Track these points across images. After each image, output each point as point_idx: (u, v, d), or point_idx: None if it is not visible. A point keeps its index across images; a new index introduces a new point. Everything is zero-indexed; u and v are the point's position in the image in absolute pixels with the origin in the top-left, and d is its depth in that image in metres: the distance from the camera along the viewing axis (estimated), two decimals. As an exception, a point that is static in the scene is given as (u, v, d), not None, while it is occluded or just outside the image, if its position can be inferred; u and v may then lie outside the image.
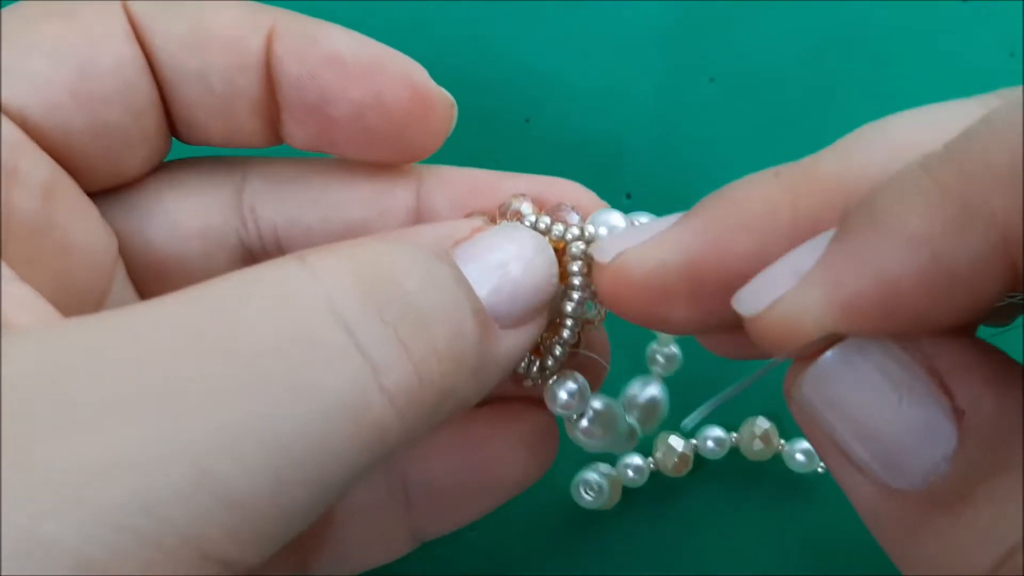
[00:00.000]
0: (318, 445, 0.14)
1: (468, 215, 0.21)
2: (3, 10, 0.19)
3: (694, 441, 0.29)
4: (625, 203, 0.32)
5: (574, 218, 0.20)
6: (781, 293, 0.15)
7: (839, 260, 0.14)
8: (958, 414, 0.15)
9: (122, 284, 0.21)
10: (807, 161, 0.17)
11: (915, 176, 0.14)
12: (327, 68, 0.20)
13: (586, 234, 0.19)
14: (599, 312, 0.21)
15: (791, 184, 0.17)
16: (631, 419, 0.22)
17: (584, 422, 0.20)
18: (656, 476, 0.29)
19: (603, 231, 0.19)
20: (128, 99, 0.20)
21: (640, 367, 0.23)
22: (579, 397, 0.20)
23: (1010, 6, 0.34)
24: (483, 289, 0.17)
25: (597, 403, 0.21)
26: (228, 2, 0.20)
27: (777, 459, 0.29)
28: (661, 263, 0.17)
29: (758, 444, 0.28)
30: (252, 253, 0.22)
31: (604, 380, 0.22)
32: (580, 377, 0.20)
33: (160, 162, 0.21)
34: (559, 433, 0.23)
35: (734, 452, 0.29)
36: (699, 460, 0.29)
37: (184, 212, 0.22)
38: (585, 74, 0.33)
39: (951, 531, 0.15)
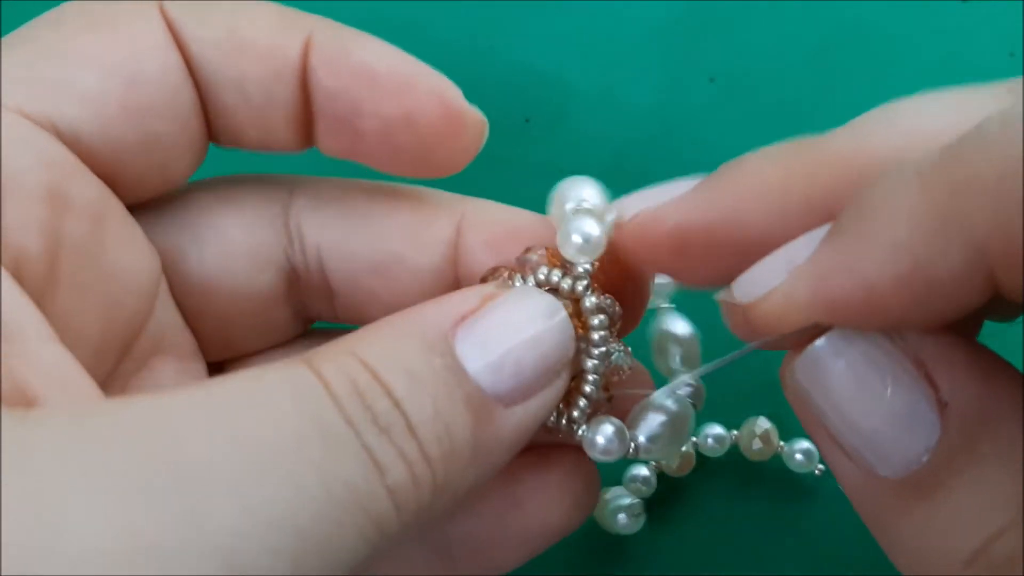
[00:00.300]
0: (331, 533, 0.14)
1: (494, 269, 0.20)
2: (38, 19, 0.19)
3: (695, 439, 0.29)
4: (625, 203, 0.32)
5: (590, 267, 0.19)
6: (775, 284, 0.16)
7: (826, 259, 0.15)
8: (941, 405, 0.15)
9: (165, 304, 0.21)
10: (824, 137, 0.17)
11: (907, 181, 0.14)
12: (359, 82, 0.20)
13: (579, 271, 0.19)
14: (628, 361, 0.20)
15: (807, 159, 0.17)
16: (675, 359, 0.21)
17: (643, 439, 0.20)
18: (658, 476, 0.29)
19: (576, 241, 0.19)
20: (174, 108, 0.19)
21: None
22: (619, 440, 0.19)
23: (1010, 6, 0.34)
24: (483, 369, 0.17)
25: (655, 421, 0.20)
26: (263, 5, 0.20)
27: (776, 459, 0.29)
28: (677, 224, 0.18)
29: (757, 444, 0.28)
30: (297, 273, 0.22)
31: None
32: (615, 420, 0.20)
33: (197, 167, 0.21)
34: (600, 478, 0.22)
35: (735, 452, 0.29)
36: (700, 459, 0.29)
37: (234, 229, 0.21)
38: (585, 74, 0.33)
39: (931, 518, 0.15)
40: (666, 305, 0.22)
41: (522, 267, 0.19)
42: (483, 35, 0.33)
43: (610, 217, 0.20)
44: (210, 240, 0.21)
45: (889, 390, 0.15)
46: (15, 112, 0.17)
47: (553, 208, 0.21)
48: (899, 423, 0.15)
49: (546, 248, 0.20)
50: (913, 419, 0.15)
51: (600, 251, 0.19)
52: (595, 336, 0.19)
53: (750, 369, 0.29)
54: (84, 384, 0.16)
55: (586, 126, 0.33)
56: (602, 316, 0.19)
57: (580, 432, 0.19)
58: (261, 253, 0.22)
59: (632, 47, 0.33)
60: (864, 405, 0.16)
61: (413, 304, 0.21)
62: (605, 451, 0.19)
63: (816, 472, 0.28)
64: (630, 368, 0.20)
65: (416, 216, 0.22)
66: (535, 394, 0.17)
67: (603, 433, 0.19)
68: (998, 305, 0.15)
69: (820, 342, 0.16)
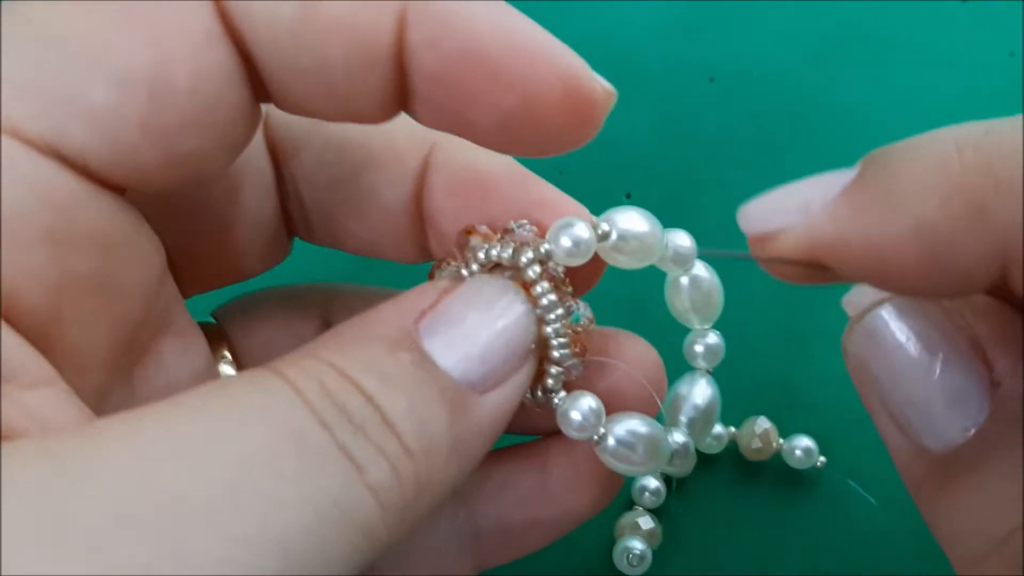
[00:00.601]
0: (318, 546, 0.14)
1: (439, 262, 0.20)
2: None
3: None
4: (625, 203, 0.32)
5: (528, 234, 0.19)
6: (784, 223, 0.16)
7: (846, 214, 0.15)
8: (993, 385, 0.15)
9: (166, 284, 0.20)
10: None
11: (943, 151, 0.14)
12: (470, 67, 0.16)
13: (543, 252, 0.19)
14: (586, 314, 0.20)
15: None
16: (681, 430, 0.21)
17: (611, 442, 0.19)
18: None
19: (565, 243, 0.18)
20: (215, 120, 0.16)
21: (677, 362, 0.22)
22: (594, 417, 0.19)
23: (1010, 6, 0.34)
24: (452, 361, 0.16)
25: (640, 426, 0.19)
26: None
27: (777, 456, 0.29)
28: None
29: (756, 443, 0.28)
30: (284, 202, 0.22)
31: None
32: (591, 396, 0.19)
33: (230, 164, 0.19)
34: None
35: (734, 449, 0.29)
36: (700, 456, 0.29)
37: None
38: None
39: (970, 495, 0.15)
40: (701, 366, 0.21)
41: (463, 252, 0.19)
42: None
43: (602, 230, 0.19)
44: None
45: (940, 366, 0.16)
46: (10, 135, 0.15)
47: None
48: (949, 398, 0.15)
49: (482, 226, 0.20)
50: (963, 396, 0.15)
51: (589, 257, 0.19)
52: (544, 301, 0.18)
53: (750, 369, 0.29)
54: (77, 414, 0.16)
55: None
56: (545, 283, 0.18)
57: (556, 402, 0.19)
58: (261, 183, 0.21)
59: (632, 47, 0.33)
60: (916, 378, 0.16)
61: (383, 239, 0.22)
62: (580, 427, 0.19)
63: (818, 465, 0.28)
64: (590, 320, 0.20)
65: (388, 147, 0.21)
66: (508, 378, 0.17)
67: (579, 408, 0.19)
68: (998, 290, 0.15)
69: (876, 312, 0.16)
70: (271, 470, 0.14)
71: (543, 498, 0.21)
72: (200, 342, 0.21)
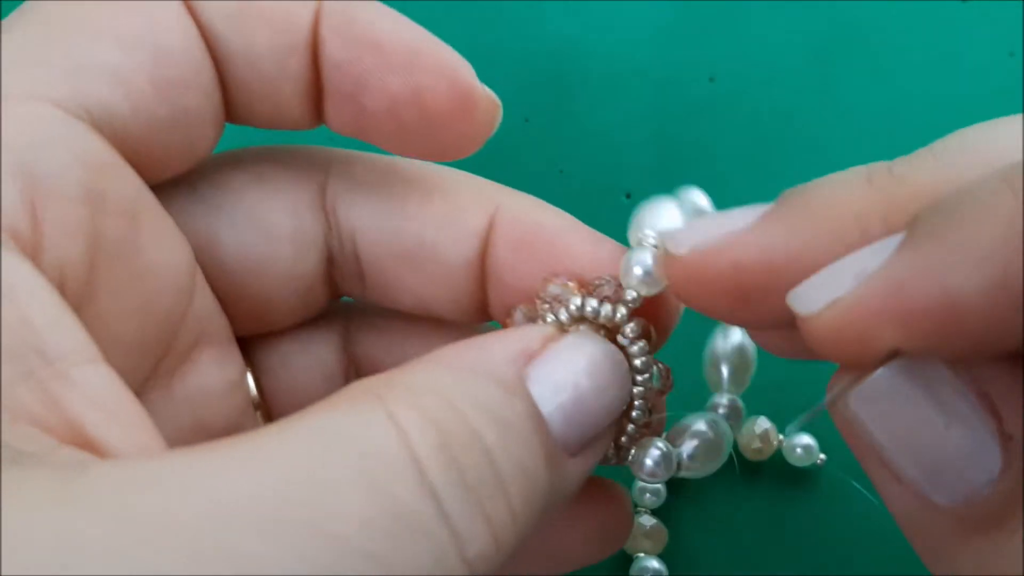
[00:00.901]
0: None
1: (549, 279, 0.19)
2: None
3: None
4: (624, 203, 0.32)
5: (609, 287, 0.19)
6: (840, 294, 0.14)
7: (905, 267, 0.14)
8: (1005, 438, 0.15)
9: (202, 294, 0.20)
10: (901, 167, 0.16)
11: (995, 189, 0.13)
12: (365, 53, 0.18)
13: (628, 298, 0.18)
14: (667, 382, 0.20)
15: (885, 194, 0.15)
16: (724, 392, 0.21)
17: (685, 458, 0.20)
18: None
19: (637, 272, 0.18)
20: (199, 80, 0.18)
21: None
22: (665, 463, 0.19)
23: (1010, 6, 0.34)
24: (555, 417, 0.16)
25: (701, 425, 0.20)
26: None
27: (777, 454, 0.29)
28: (737, 264, 0.16)
29: (756, 443, 0.28)
30: (333, 257, 0.21)
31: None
32: (661, 443, 0.20)
33: (217, 142, 0.20)
34: (632, 513, 0.22)
35: (735, 450, 0.29)
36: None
37: (275, 213, 0.20)
38: (584, 74, 0.33)
39: (987, 552, 0.15)
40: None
41: (552, 300, 0.19)
42: (482, 34, 0.33)
43: (653, 244, 0.19)
44: (249, 225, 0.20)
45: (949, 423, 0.15)
46: (46, 102, 0.16)
47: (631, 233, 0.20)
48: (960, 455, 0.15)
49: (561, 276, 0.19)
50: (975, 451, 0.15)
51: (662, 285, 0.18)
52: (638, 363, 0.18)
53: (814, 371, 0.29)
54: (133, 411, 0.15)
55: (585, 126, 0.33)
56: (643, 343, 0.18)
57: (630, 456, 0.19)
58: (303, 238, 0.21)
59: (632, 47, 0.33)
60: (923, 437, 0.15)
61: (442, 296, 0.21)
62: (652, 473, 0.19)
63: (818, 463, 0.28)
64: (669, 386, 0.20)
65: (451, 205, 0.20)
66: (596, 442, 0.17)
67: (651, 456, 0.19)
68: None
69: (879, 372, 0.15)
70: (364, 544, 0.12)
71: (539, 542, 0.21)
72: (235, 353, 0.21)
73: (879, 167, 0.16)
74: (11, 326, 0.14)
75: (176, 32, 0.18)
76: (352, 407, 0.14)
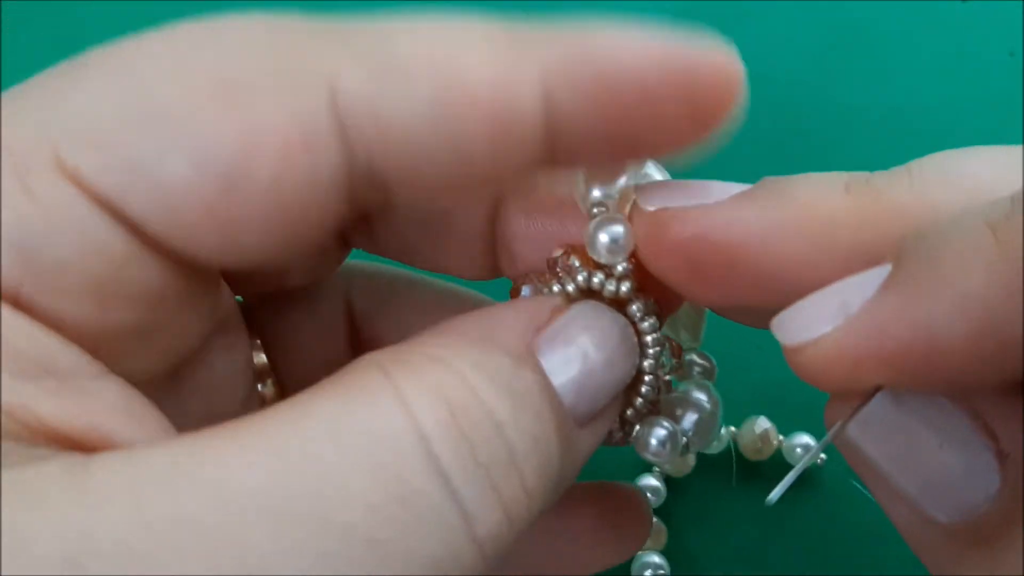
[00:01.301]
0: None
1: (524, 275, 0.19)
2: (147, 37, 0.14)
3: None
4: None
5: (626, 267, 0.18)
6: (826, 330, 0.14)
7: (888, 307, 0.14)
8: (1001, 456, 0.15)
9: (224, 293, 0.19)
10: (879, 180, 0.16)
11: (977, 229, 0.13)
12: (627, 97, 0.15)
13: (619, 269, 0.18)
14: (677, 361, 0.19)
15: (859, 206, 0.15)
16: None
17: (691, 433, 0.19)
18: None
19: (604, 240, 0.17)
20: (287, 224, 0.15)
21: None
22: (671, 445, 0.19)
23: (1010, 6, 0.34)
24: (566, 389, 0.15)
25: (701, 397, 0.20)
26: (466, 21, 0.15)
27: (776, 454, 0.29)
28: (701, 234, 0.16)
29: (756, 443, 0.28)
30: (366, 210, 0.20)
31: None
32: (668, 423, 0.19)
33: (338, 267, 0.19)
34: (650, 516, 0.21)
35: (735, 450, 0.29)
36: (699, 458, 0.29)
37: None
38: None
39: (991, 566, 0.15)
40: None
41: (562, 271, 0.18)
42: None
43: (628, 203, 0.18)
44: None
45: (944, 446, 0.15)
46: (72, 182, 0.14)
47: (578, 192, 0.18)
48: (954, 475, 0.15)
49: (573, 248, 0.19)
50: (972, 471, 0.15)
51: (630, 248, 0.18)
52: (648, 339, 0.18)
53: (749, 369, 0.29)
54: (148, 413, 0.15)
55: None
56: (653, 319, 0.18)
57: (634, 434, 0.19)
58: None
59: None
60: (920, 460, 0.15)
61: (449, 261, 0.20)
62: (657, 453, 0.19)
63: (818, 463, 0.28)
64: (677, 363, 0.19)
65: None
66: (605, 413, 0.16)
67: (656, 435, 0.19)
68: None
69: (873, 402, 0.15)
70: (371, 530, 0.12)
71: (549, 548, 0.20)
72: (243, 336, 0.21)
73: (858, 177, 0.16)
74: (16, 341, 0.14)
75: (273, 165, 0.14)
76: (359, 386, 0.13)
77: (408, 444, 0.13)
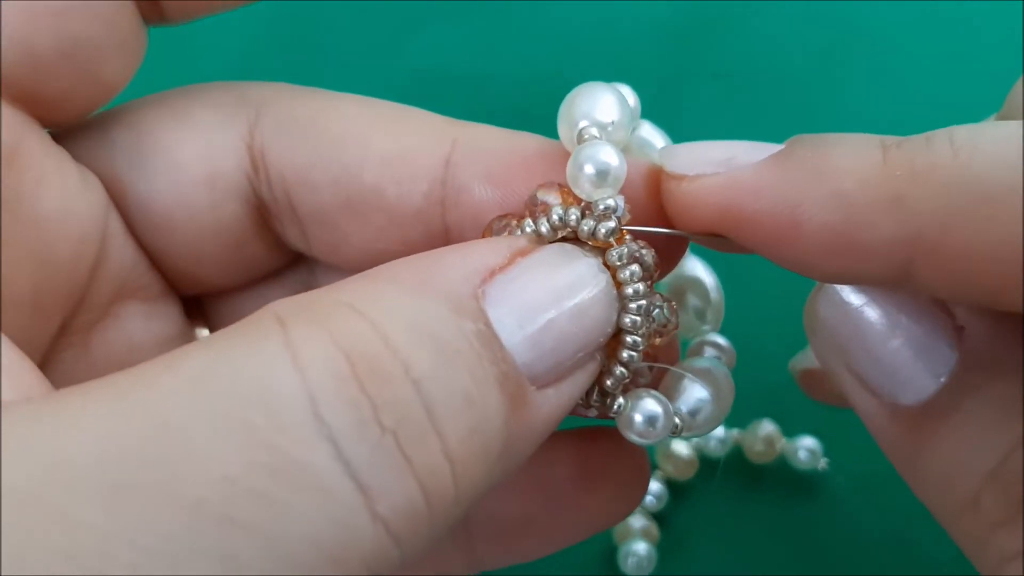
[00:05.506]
0: None
1: (502, 217, 0.17)
2: None
3: (697, 440, 0.29)
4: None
5: (614, 202, 0.16)
6: (707, 171, 0.16)
7: (767, 176, 0.15)
8: (958, 331, 0.15)
9: (121, 244, 0.18)
10: (920, 148, 0.14)
11: (871, 144, 0.14)
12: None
13: (601, 207, 0.15)
14: (672, 318, 0.16)
15: (895, 176, 0.14)
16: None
17: (686, 413, 0.17)
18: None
19: (590, 171, 0.15)
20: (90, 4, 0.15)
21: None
22: (661, 425, 0.16)
23: (1010, 6, 0.34)
24: (518, 342, 0.13)
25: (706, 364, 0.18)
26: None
27: (780, 458, 0.29)
28: (729, 203, 0.15)
29: (760, 446, 0.28)
30: (263, 202, 0.19)
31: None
32: (657, 395, 0.16)
33: (136, 67, 0.17)
34: (650, 470, 0.19)
35: (736, 453, 0.29)
36: (703, 461, 0.29)
37: (189, 154, 0.18)
38: (586, 71, 0.33)
39: (950, 440, 0.15)
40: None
41: (535, 210, 0.16)
42: (483, 33, 0.33)
43: (655, 154, 0.17)
44: (159, 166, 0.17)
45: (904, 320, 0.16)
46: None
47: (562, 128, 0.17)
48: (917, 350, 0.16)
49: (559, 185, 0.16)
50: (930, 345, 0.15)
51: (620, 185, 0.16)
52: (628, 290, 0.15)
53: (753, 372, 0.29)
54: (28, 375, 0.13)
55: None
56: (635, 267, 0.15)
57: (616, 407, 0.16)
58: (221, 183, 0.18)
59: (635, 43, 0.33)
60: (882, 336, 0.16)
61: (394, 250, 0.18)
62: (644, 433, 0.16)
63: (820, 467, 0.28)
64: (675, 326, 0.16)
65: (399, 146, 0.18)
66: (571, 374, 0.14)
67: (642, 411, 0.16)
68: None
69: (832, 286, 0.16)
70: (242, 510, 0.11)
71: (548, 504, 0.19)
72: (172, 310, 0.19)
73: (892, 143, 0.15)
74: None
75: None
76: (244, 336, 0.12)
77: (288, 404, 0.11)
